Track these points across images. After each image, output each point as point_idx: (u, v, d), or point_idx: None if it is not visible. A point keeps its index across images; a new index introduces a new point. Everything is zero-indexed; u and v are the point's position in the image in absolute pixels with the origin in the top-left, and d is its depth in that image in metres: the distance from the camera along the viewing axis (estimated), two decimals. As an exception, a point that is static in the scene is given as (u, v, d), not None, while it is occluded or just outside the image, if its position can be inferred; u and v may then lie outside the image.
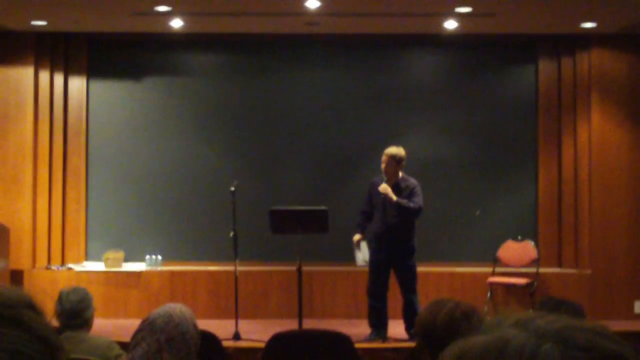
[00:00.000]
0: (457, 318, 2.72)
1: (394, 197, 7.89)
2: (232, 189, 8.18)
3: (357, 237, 8.20)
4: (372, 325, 8.13)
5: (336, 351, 5.27)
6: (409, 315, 7.98)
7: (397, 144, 8.21)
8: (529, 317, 0.90)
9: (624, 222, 9.60)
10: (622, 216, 9.60)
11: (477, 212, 9.90)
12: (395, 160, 7.97)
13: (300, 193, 9.84)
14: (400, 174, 8.07)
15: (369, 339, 7.97)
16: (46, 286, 9.22)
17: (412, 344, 7.65)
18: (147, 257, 9.76)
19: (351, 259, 8.47)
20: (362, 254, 8.15)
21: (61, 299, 4.44)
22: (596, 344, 0.86)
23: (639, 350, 0.92)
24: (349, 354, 5.27)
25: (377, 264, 8.10)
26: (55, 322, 4.43)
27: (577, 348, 0.85)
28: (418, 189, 8.04)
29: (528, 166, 10.05)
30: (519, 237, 9.63)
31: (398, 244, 8.02)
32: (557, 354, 0.84)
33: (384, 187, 7.91)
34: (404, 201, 7.92)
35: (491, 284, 9.36)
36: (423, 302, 3.56)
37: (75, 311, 4.38)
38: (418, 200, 7.97)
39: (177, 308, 2.82)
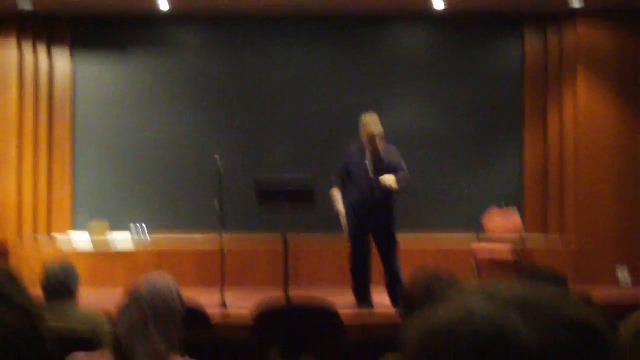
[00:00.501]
0: (434, 290, 2.72)
1: (392, 178, 7.66)
2: (217, 157, 8.14)
3: (342, 208, 8.07)
4: (359, 299, 8.03)
5: (321, 321, 5.29)
6: (395, 287, 7.87)
7: (383, 118, 8.01)
8: (493, 286, 0.90)
9: (609, 192, 9.66)
10: (607, 186, 9.66)
11: (466, 190, 9.85)
12: (381, 137, 7.79)
13: (285, 167, 9.82)
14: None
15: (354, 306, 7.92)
16: (32, 256, 9.22)
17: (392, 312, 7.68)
18: (132, 226, 9.75)
19: (336, 227, 8.48)
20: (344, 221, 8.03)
21: (46, 272, 4.43)
22: (561, 310, 0.86)
23: (612, 316, 0.93)
24: (334, 323, 5.29)
25: (358, 238, 7.95)
26: (40, 294, 4.43)
27: (542, 314, 0.85)
28: (399, 155, 7.88)
29: (514, 139, 10.08)
30: (502, 203, 9.65)
31: (380, 214, 7.87)
32: (522, 321, 0.84)
33: (388, 179, 7.67)
34: (403, 185, 7.75)
35: (476, 250, 9.39)
36: (408, 271, 3.59)
37: (61, 283, 4.38)
38: (404, 166, 7.83)
39: (161, 279, 2.82)
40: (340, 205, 7.99)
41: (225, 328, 6.82)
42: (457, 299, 0.89)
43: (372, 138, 7.70)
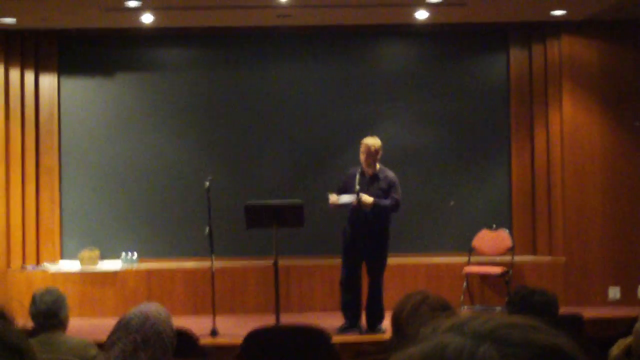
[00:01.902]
0: (422, 311, 2.73)
1: (370, 200, 7.84)
2: (207, 184, 8.15)
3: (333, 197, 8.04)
4: (346, 317, 8.15)
5: (313, 346, 5.28)
6: (374, 306, 8.05)
7: (370, 134, 8.23)
8: (463, 320, 0.91)
9: (597, 209, 9.68)
10: (595, 203, 9.68)
11: (451, 203, 9.94)
12: (374, 151, 7.96)
13: (275, 187, 9.82)
14: (378, 165, 8.08)
15: (341, 329, 7.98)
16: (22, 287, 9.17)
17: (384, 336, 7.71)
18: (123, 254, 9.72)
19: (328, 252, 8.49)
20: (344, 197, 8.03)
21: (35, 300, 4.41)
22: (532, 339, 0.87)
23: (581, 343, 0.94)
24: (326, 349, 5.28)
25: (350, 255, 8.09)
26: (29, 324, 4.41)
27: (513, 345, 0.86)
28: (397, 182, 8.05)
29: (501, 154, 10.10)
30: (494, 226, 9.68)
31: (373, 234, 8.01)
32: (495, 353, 0.85)
33: (367, 198, 7.84)
34: (381, 201, 7.90)
35: (467, 274, 9.41)
36: (400, 294, 3.58)
37: (50, 312, 4.36)
38: (396, 195, 7.98)
39: (152, 307, 2.81)
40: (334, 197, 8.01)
41: (216, 356, 6.78)
42: (427, 336, 0.91)
43: (362, 151, 7.97)
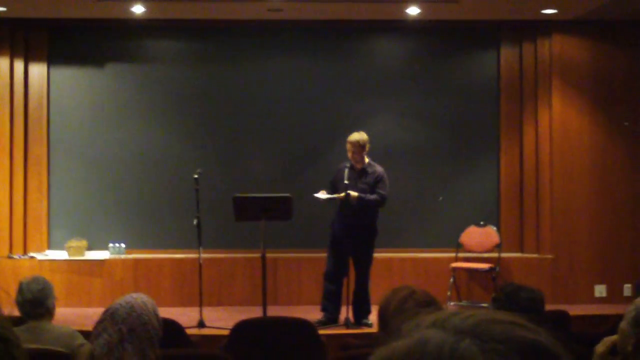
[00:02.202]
0: (408, 306, 2.74)
1: (355, 195, 7.95)
2: (196, 176, 8.15)
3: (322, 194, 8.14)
4: (324, 309, 8.20)
5: (300, 338, 5.29)
6: (360, 300, 8.10)
7: (359, 130, 8.25)
8: (446, 315, 0.92)
9: (585, 207, 9.72)
10: (583, 201, 9.72)
11: (440, 198, 9.98)
12: (360, 145, 8.04)
13: (264, 180, 9.82)
14: (367, 159, 8.15)
15: (320, 322, 7.97)
16: (8, 275, 9.15)
17: (371, 330, 7.73)
18: (111, 245, 9.71)
19: (316, 246, 8.50)
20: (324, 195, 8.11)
21: (22, 289, 4.41)
22: (513, 335, 0.89)
23: (565, 339, 0.95)
24: (313, 340, 5.29)
25: (336, 246, 8.17)
26: (16, 313, 4.41)
27: (494, 340, 0.87)
28: (384, 177, 8.12)
29: (490, 152, 10.12)
30: (482, 223, 9.71)
31: (360, 226, 8.09)
32: (476, 348, 0.86)
33: (352, 193, 7.95)
34: (367, 196, 7.98)
35: (454, 269, 9.43)
36: (387, 289, 3.58)
37: (37, 301, 4.36)
38: (383, 189, 8.04)
39: (138, 298, 2.82)
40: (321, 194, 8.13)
41: (203, 346, 6.79)
42: (410, 332, 0.92)
43: (349, 148, 8.06)
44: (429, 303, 2.78)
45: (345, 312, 8.05)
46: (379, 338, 2.83)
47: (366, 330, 7.89)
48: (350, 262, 8.20)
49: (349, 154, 8.10)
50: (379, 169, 8.18)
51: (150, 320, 2.75)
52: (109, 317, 2.73)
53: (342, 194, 7.92)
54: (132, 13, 9.32)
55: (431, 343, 0.88)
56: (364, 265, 8.21)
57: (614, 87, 9.78)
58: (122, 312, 2.74)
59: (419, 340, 0.89)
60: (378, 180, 8.09)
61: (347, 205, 7.96)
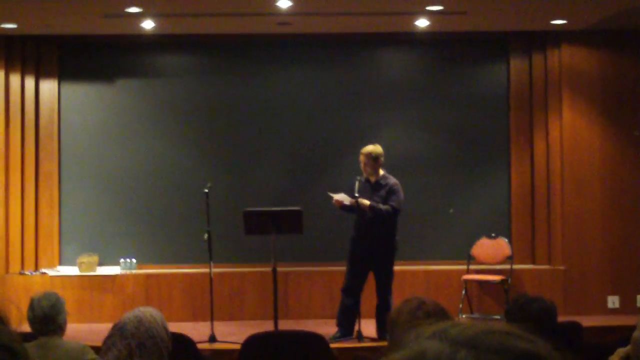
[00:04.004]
0: (418, 317, 2.73)
1: (366, 203, 7.94)
2: (206, 190, 8.16)
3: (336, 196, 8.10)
4: (339, 324, 8.15)
5: (311, 351, 5.27)
6: (383, 314, 8.02)
7: (370, 141, 8.27)
8: (445, 327, 0.94)
9: (597, 218, 9.68)
10: (595, 212, 9.68)
11: (451, 210, 9.95)
12: (372, 157, 8.05)
13: (274, 193, 9.83)
14: (381, 171, 8.14)
15: (335, 337, 7.95)
16: (20, 292, 9.16)
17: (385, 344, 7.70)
18: (122, 260, 9.71)
19: (327, 259, 8.49)
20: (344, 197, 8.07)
21: (33, 305, 4.41)
22: (509, 345, 0.90)
23: (563, 349, 0.95)
24: (324, 354, 5.27)
25: (356, 261, 8.13)
26: (27, 329, 4.41)
27: (491, 351, 0.89)
28: (398, 188, 8.09)
29: (500, 163, 10.10)
30: (493, 235, 9.68)
31: (379, 240, 8.05)
32: (473, 357, 0.87)
33: (363, 201, 7.94)
34: (377, 205, 7.96)
35: (466, 281, 9.40)
36: (398, 300, 3.57)
37: (48, 317, 4.36)
38: (394, 201, 8.01)
39: (147, 312, 2.81)
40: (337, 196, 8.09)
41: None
42: (410, 343, 0.94)
43: (361, 160, 8.09)
44: (439, 314, 2.77)
45: (358, 326, 8.03)
46: (388, 349, 2.82)
47: (382, 344, 7.85)
48: (371, 276, 8.18)
49: (362, 165, 8.10)
50: (392, 180, 8.15)
51: (159, 333, 2.75)
52: (118, 332, 2.73)
53: (353, 200, 7.90)
54: (142, 29, 9.36)
55: (429, 354, 0.90)
56: (386, 279, 8.15)
57: (623, 96, 9.76)
58: (130, 327, 2.73)
59: (418, 351, 0.91)
60: (390, 191, 8.07)
61: (361, 217, 7.95)
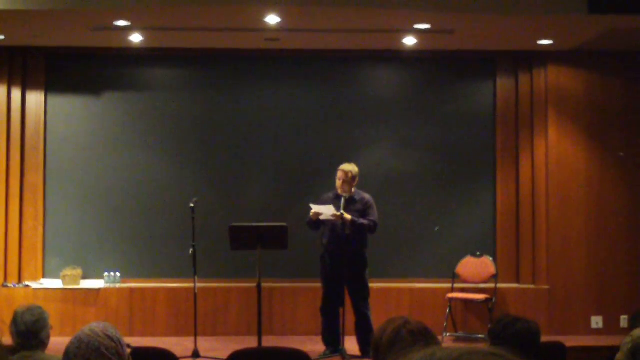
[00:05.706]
0: (402, 336, 2.73)
1: (349, 217, 8.02)
2: (192, 205, 8.16)
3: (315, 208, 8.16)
4: (326, 343, 8.21)
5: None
6: (363, 330, 8.07)
7: (356, 159, 8.32)
8: (433, 351, 0.96)
9: (581, 238, 9.72)
10: (579, 232, 9.72)
11: (436, 228, 9.96)
12: (351, 176, 8.15)
13: (260, 209, 9.82)
14: (353, 189, 8.20)
15: (323, 355, 8.00)
16: (2, 305, 9.11)
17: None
18: (106, 274, 9.67)
19: (311, 275, 8.49)
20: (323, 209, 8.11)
21: (16, 319, 4.37)
22: None
23: None
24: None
25: (329, 279, 8.22)
26: (10, 342, 4.37)
27: None
28: (373, 204, 8.25)
29: (486, 181, 10.12)
30: (478, 253, 9.70)
31: (351, 256, 8.09)
32: None
33: (339, 215, 8.00)
34: (359, 220, 8.04)
35: (450, 299, 9.41)
36: (383, 319, 3.56)
37: (31, 332, 4.32)
38: (373, 216, 8.12)
39: (85, 329, 2.79)
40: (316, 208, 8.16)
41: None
42: None
43: (339, 177, 8.19)
44: (423, 333, 2.77)
45: (342, 343, 8.02)
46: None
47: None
48: (347, 293, 8.20)
49: (338, 182, 8.19)
50: (366, 195, 8.32)
51: (102, 342, 2.72)
52: (65, 358, 2.72)
53: (338, 213, 7.93)
54: (129, 42, 9.36)
55: None
56: (361, 294, 8.21)
57: (609, 117, 9.82)
58: (72, 349, 2.72)
59: None
60: (368, 206, 8.21)
61: (337, 233, 7.99)
